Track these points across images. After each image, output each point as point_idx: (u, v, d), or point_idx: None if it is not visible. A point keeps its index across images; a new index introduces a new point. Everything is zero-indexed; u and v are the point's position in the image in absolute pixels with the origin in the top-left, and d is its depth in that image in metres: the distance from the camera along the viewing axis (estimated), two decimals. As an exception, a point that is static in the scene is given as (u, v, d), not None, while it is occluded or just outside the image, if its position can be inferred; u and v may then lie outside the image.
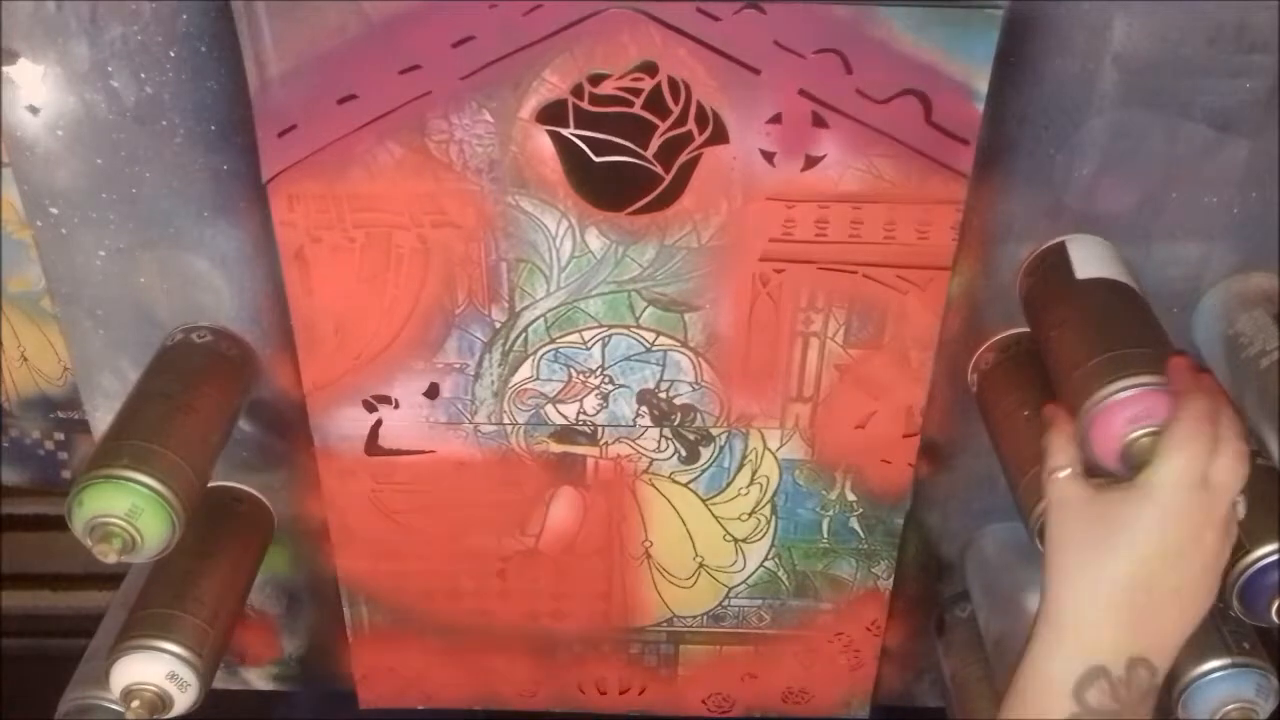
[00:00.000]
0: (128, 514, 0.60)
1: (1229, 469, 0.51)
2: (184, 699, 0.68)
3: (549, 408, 0.73)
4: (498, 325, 0.70)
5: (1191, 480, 0.50)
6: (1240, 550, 0.61)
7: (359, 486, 0.77)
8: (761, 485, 0.77)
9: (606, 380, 0.72)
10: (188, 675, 0.68)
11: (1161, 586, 0.51)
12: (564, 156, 0.63)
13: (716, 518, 0.78)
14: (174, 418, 0.65)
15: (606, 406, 0.73)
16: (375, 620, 0.84)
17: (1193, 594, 0.52)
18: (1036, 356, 0.69)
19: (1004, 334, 0.71)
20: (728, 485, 0.77)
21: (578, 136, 0.63)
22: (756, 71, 0.60)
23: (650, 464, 0.76)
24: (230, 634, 0.73)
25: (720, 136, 0.62)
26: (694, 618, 0.84)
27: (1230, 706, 0.67)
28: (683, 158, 0.63)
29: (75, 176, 0.66)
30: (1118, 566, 0.51)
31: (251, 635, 0.87)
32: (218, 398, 0.68)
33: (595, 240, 0.66)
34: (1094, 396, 0.56)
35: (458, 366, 0.71)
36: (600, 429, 0.74)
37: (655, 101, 0.61)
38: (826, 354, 0.71)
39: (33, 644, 1.10)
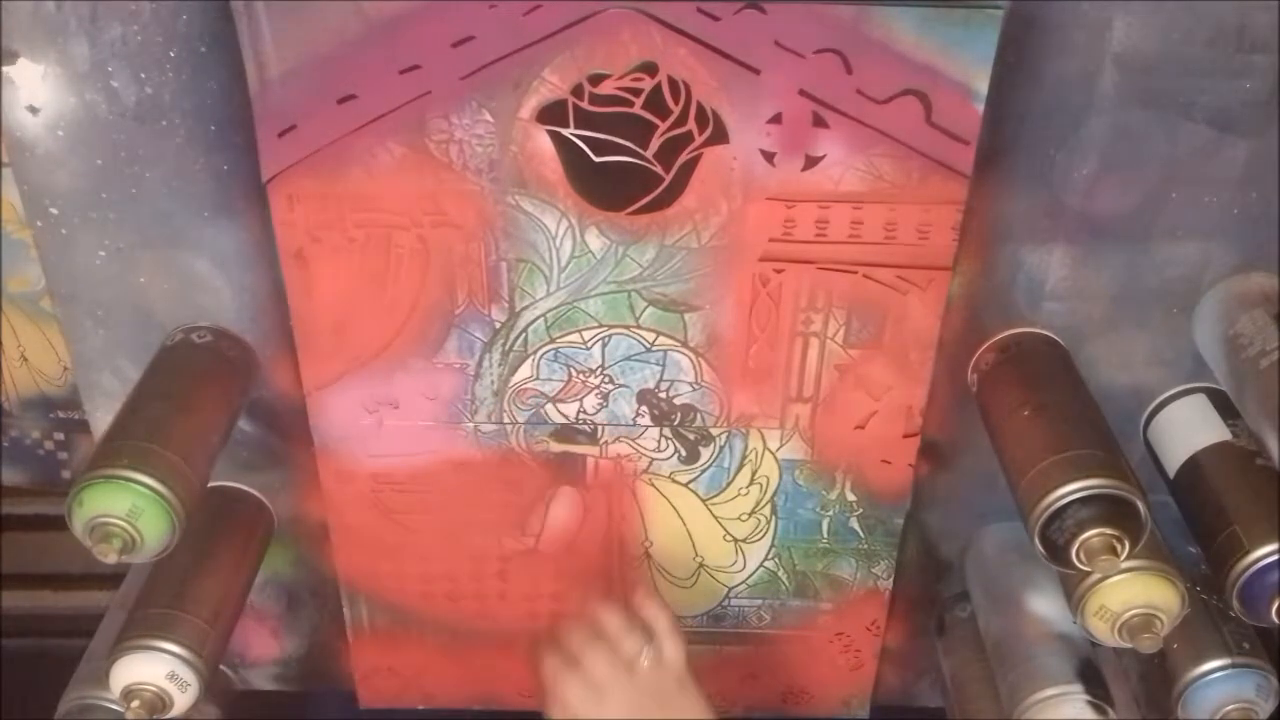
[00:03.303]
0: (128, 514, 0.60)
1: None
2: (184, 699, 0.68)
3: (549, 407, 0.73)
4: (498, 325, 0.70)
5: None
6: (1240, 550, 0.61)
7: (359, 486, 0.77)
8: (761, 485, 0.77)
9: (606, 380, 0.72)
10: (188, 675, 0.68)
11: None
12: (564, 156, 0.63)
13: (716, 518, 0.78)
14: (174, 418, 0.65)
15: (606, 406, 0.73)
16: (375, 620, 0.84)
17: None
18: (1036, 356, 0.70)
19: (1004, 334, 0.71)
20: (728, 485, 0.77)
21: (578, 136, 0.63)
22: (756, 71, 0.60)
23: (650, 464, 0.76)
24: (230, 634, 0.73)
25: (720, 136, 0.62)
26: (694, 618, 0.83)
27: (1230, 707, 0.67)
28: (683, 158, 0.63)
29: (75, 176, 0.66)
30: None
31: (251, 635, 0.87)
32: (218, 398, 0.68)
33: (595, 240, 0.66)
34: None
35: (458, 366, 0.71)
36: (600, 428, 0.74)
37: (655, 101, 0.61)
38: (826, 354, 0.71)
39: (33, 644, 1.10)
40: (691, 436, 0.75)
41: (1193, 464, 0.68)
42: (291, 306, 0.69)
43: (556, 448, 0.75)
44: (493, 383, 0.72)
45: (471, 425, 0.74)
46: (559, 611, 0.83)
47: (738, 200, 0.65)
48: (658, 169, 0.64)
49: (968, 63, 0.60)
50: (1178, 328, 0.70)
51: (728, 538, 0.79)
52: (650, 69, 0.60)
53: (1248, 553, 0.61)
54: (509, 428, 0.74)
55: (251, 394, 0.72)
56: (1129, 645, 0.64)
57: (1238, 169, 0.64)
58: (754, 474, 0.76)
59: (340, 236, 0.66)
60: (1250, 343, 0.64)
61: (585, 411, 0.74)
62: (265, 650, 0.88)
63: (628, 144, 0.63)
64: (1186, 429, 0.70)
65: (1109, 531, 0.59)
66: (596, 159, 0.63)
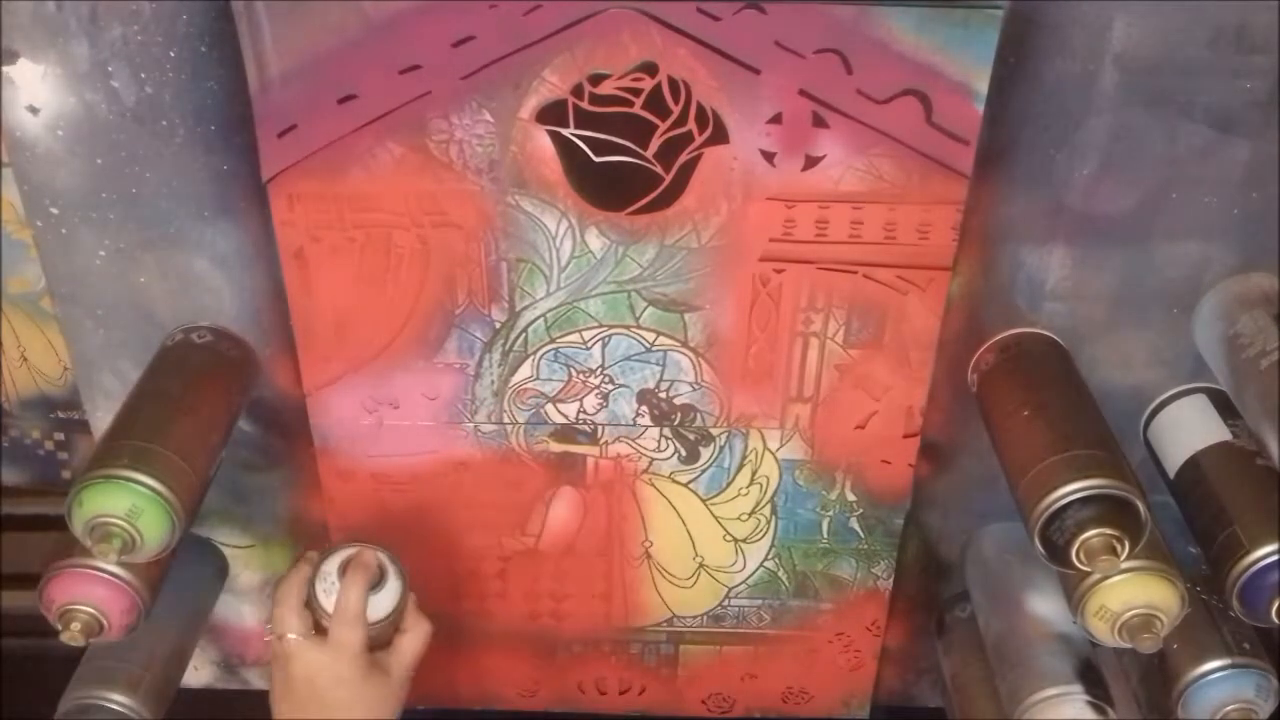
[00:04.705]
0: (128, 514, 0.60)
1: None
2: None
3: (549, 407, 0.73)
4: (498, 325, 0.70)
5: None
6: (1240, 550, 0.61)
7: (359, 486, 0.77)
8: (761, 485, 0.77)
9: (606, 380, 0.72)
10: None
11: None
12: (564, 156, 0.63)
13: (716, 518, 0.78)
14: (174, 418, 0.65)
15: (606, 406, 0.73)
16: (375, 620, 0.84)
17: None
18: (1036, 356, 0.70)
19: (1004, 334, 0.71)
20: (728, 485, 0.77)
21: (578, 136, 0.63)
22: (756, 71, 0.60)
23: (650, 464, 0.76)
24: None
25: (720, 136, 0.62)
26: (694, 618, 0.84)
27: (1230, 707, 0.67)
28: (683, 158, 0.63)
29: (75, 176, 0.66)
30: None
31: (252, 635, 0.87)
32: (218, 398, 0.68)
33: (595, 240, 0.66)
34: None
35: (458, 366, 0.71)
36: (600, 428, 0.74)
37: (655, 101, 0.61)
38: (826, 354, 0.71)
39: (33, 644, 1.10)
40: (691, 436, 0.75)
41: (1193, 464, 0.68)
42: (291, 306, 0.69)
43: (556, 448, 0.75)
44: (493, 383, 0.72)
45: (471, 425, 0.74)
46: (559, 611, 0.83)
47: (738, 200, 0.65)
48: (658, 169, 0.64)
49: (968, 63, 0.60)
50: (1178, 328, 0.70)
51: (728, 538, 0.79)
52: (650, 69, 0.60)
53: (1248, 553, 0.61)
54: (509, 428, 0.74)
55: (251, 394, 0.72)
56: (1129, 645, 0.64)
57: (1238, 169, 0.64)
58: (754, 474, 0.76)
59: (340, 236, 0.66)
60: (1250, 343, 0.64)
61: (585, 411, 0.74)
62: (265, 650, 0.88)
63: (628, 144, 0.63)
64: (1186, 429, 0.70)
65: (1109, 531, 0.59)
66: (596, 159, 0.63)
